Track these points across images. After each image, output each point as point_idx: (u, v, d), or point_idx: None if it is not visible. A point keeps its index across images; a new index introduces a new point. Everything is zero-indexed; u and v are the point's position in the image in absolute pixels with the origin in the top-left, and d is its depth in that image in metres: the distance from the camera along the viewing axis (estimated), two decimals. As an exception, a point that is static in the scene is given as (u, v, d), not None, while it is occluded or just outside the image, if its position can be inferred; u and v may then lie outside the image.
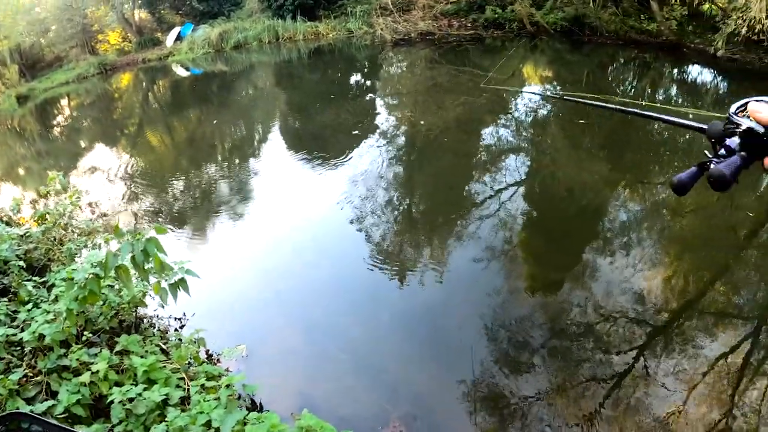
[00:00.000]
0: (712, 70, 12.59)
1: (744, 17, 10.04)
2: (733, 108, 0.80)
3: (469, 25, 17.67)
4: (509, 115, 10.56)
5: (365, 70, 16.46)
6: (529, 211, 6.78)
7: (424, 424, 3.78)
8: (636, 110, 1.12)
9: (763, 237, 5.91)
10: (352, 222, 6.69)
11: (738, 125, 0.78)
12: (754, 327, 4.50)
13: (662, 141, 8.80)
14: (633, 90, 11.92)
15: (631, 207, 6.77)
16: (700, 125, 0.87)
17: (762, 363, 4.11)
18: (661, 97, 10.65)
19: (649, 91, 11.46)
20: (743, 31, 10.10)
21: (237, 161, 10.04)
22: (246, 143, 11.33)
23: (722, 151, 0.81)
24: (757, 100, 0.78)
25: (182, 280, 3.13)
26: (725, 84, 12.14)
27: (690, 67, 13.21)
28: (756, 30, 9.84)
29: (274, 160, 9.56)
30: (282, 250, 6.33)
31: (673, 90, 11.69)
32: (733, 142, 0.78)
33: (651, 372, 4.00)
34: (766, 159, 0.78)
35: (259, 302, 5.36)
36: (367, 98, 13.30)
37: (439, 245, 6.20)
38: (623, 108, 1.14)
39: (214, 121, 12.98)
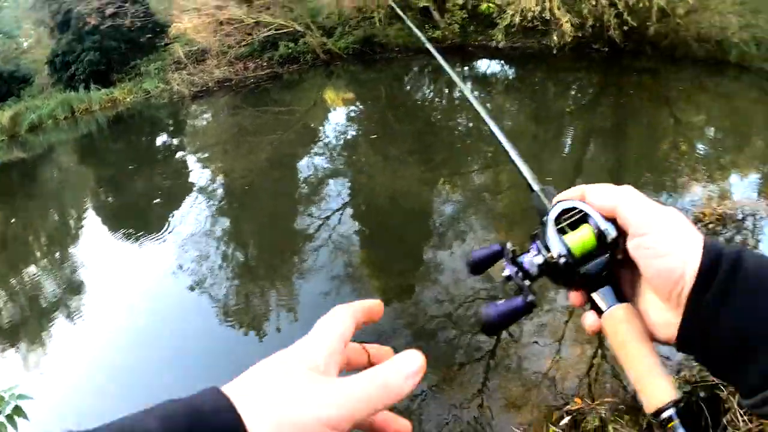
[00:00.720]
0: (499, 61, 14.44)
1: (516, 9, 11.60)
2: (565, 194, 0.63)
3: (265, 64, 17.97)
4: (320, 143, 10.82)
5: (170, 128, 15.91)
6: (361, 229, 6.91)
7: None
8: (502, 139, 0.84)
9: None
10: (192, 289, 6.22)
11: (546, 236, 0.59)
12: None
13: (466, 133, 9.68)
14: (431, 93, 13.00)
15: (453, 198, 7.33)
16: (532, 183, 0.72)
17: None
18: (457, 94, 11.70)
19: (447, 90, 12.59)
20: (517, 20, 11.66)
21: (57, 255, 8.97)
22: (62, 232, 10.19)
23: (513, 269, 0.61)
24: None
25: (17, 408, 2.88)
26: (513, 70, 13.89)
27: (478, 62, 14.91)
28: (529, 17, 11.45)
29: (95, 244, 8.64)
30: (126, 338, 5.65)
31: (468, 84, 12.94)
32: (532, 263, 0.59)
33: (517, 337, 4.21)
34: (574, 293, 0.59)
35: (115, 400, 4.66)
36: (176, 157, 12.80)
37: (285, 286, 6.03)
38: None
39: (12, 220, 11.44)
